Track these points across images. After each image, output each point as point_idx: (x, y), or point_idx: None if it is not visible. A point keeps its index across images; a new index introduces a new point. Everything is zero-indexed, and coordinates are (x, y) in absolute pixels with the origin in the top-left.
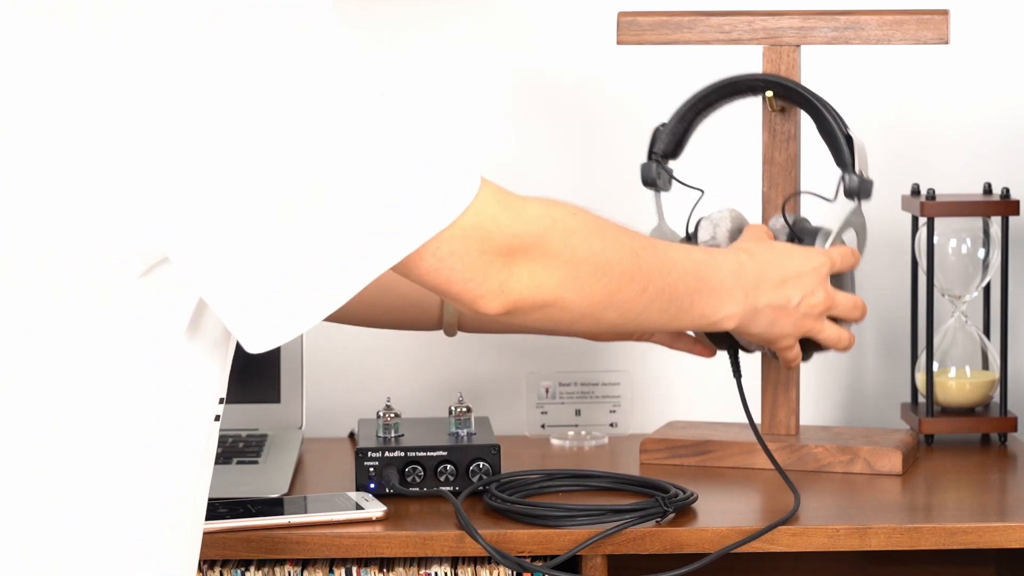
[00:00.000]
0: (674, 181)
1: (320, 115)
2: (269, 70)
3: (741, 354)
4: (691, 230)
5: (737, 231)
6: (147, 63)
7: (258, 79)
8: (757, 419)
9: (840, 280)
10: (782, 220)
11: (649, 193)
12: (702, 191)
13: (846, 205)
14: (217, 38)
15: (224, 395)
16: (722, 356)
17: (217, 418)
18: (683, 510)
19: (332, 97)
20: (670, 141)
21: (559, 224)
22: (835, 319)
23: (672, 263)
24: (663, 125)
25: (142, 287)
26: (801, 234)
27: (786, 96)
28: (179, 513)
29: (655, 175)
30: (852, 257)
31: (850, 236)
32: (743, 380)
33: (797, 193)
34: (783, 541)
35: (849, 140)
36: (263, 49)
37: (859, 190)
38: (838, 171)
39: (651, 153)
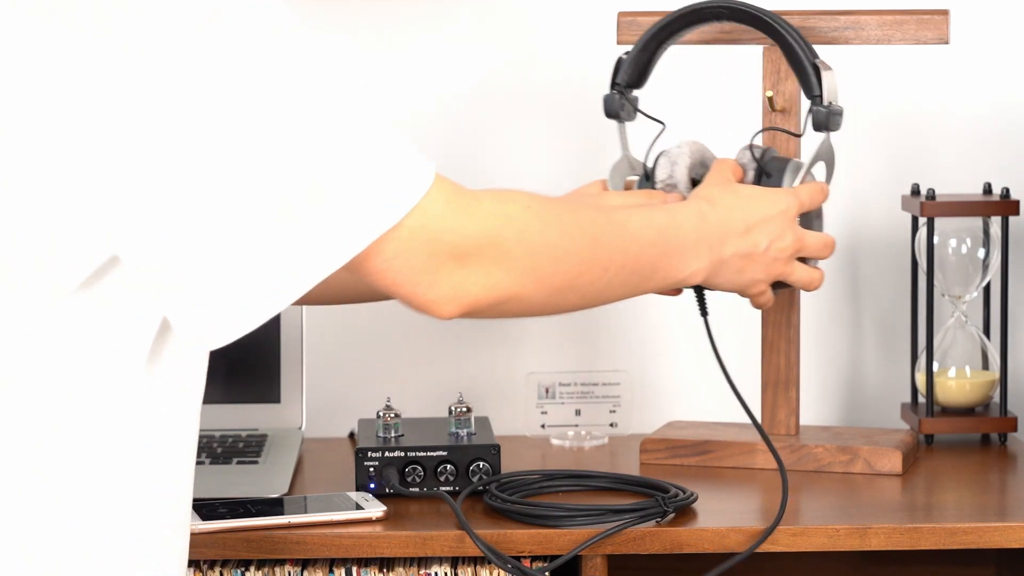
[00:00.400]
0: (638, 112)
1: (286, 114)
2: (264, 71)
3: (708, 292)
4: (649, 166)
5: (698, 166)
6: (148, 63)
7: (254, 80)
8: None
9: (808, 217)
10: (749, 154)
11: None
12: (663, 124)
13: (815, 137)
14: (217, 38)
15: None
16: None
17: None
18: (683, 510)
19: (297, 97)
20: (633, 71)
21: (513, 221)
22: (805, 258)
23: (632, 236)
24: (626, 54)
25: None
26: (770, 168)
27: (752, 24)
28: (180, 513)
29: (618, 106)
30: (821, 194)
31: (819, 168)
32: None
33: (765, 129)
34: (783, 541)
35: (816, 69)
36: (260, 50)
37: (827, 122)
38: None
39: (614, 83)
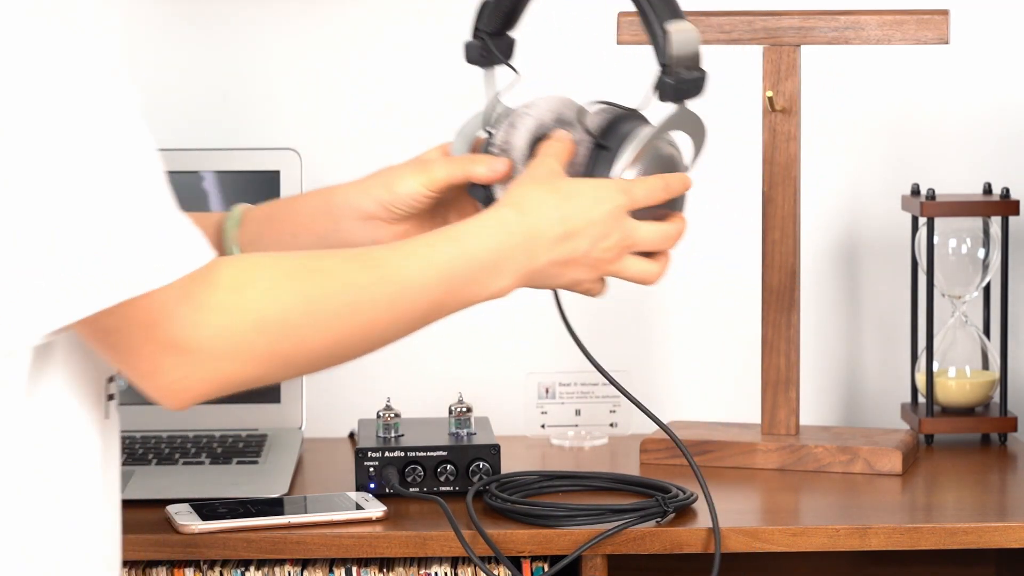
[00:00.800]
0: (502, 57)
1: (73, 154)
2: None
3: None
4: (491, 125)
5: (553, 125)
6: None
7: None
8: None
9: (667, 204)
10: (581, 128)
11: None
12: (517, 72)
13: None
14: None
15: None
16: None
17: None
18: (683, 510)
19: (92, 152)
20: (496, 17)
21: (248, 312)
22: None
23: (409, 284)
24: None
25: None
26: (608, 140)
27: None
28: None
29: (478, 55)
30: (663, 191)
31: (687, 140)
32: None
33: (596, 102)
34: (783, 541)
35: (666, 34)
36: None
37: (675, 93)
38: None
39: (476, 30)
